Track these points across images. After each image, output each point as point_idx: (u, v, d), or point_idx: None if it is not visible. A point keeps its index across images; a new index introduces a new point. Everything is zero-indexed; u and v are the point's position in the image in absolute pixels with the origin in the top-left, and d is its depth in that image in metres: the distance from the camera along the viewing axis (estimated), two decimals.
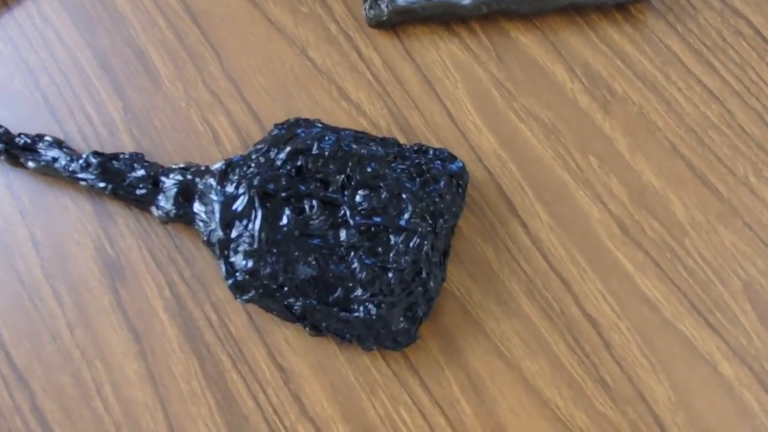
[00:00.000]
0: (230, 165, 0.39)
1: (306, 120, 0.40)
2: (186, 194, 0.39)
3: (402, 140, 0.42)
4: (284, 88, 0.44)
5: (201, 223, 0.39)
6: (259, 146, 0.39)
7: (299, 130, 0.39)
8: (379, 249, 0.37)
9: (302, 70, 0.44)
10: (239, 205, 0.38)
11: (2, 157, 0.41)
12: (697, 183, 0.41)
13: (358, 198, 0.37)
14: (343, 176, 0.38)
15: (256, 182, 0.37)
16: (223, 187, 0.38)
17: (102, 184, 0.40)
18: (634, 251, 0.40)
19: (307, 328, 0.38)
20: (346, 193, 0.38)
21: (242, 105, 0.43)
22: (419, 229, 0.37)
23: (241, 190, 0.38)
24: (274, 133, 0.40)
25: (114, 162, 0.40)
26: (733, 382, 0.38)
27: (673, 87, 0.43)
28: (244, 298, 0.38)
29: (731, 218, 0.40)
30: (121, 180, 0.40)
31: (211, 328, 0.40)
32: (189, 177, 0.39)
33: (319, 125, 0.40)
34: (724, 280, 0.39)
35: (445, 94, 0.43)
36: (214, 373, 0.39)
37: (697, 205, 0.41)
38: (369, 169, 0.38)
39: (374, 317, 0.36)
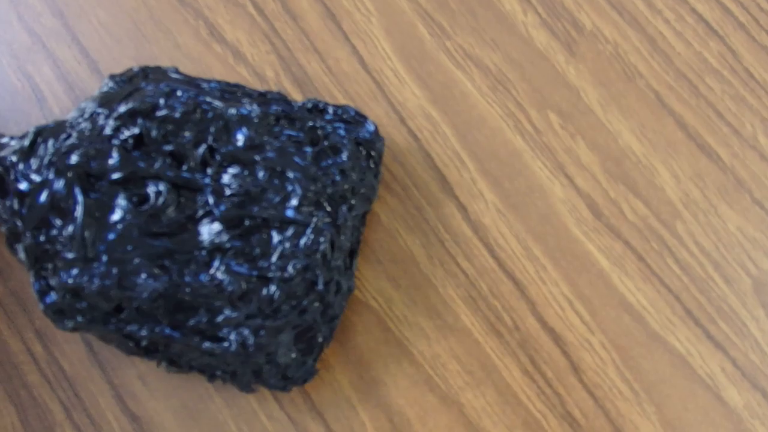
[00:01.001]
0: (40, 135, 0.27)
1: (156, 68, 0.29)
2: None
3: (295, 96, 0.31)
4: (133, 26, 0.32)
5: (1, 224, 0.27)
6: (84, 106, 0.27)
7: (144, 84, 0.28)
8: (256, 251, 0.26)
9: (159, 1, 0.32)
10: (51, 194, 0.26)
11: None
12: (691, 147, 0.31)
13: (225, 179, 0.26)
14: (203, 148, 0.26)
15: (73, 160, 0.26)
16: (28, 168, 0.26)
17: None
18: (610, 241, 0.30)
19: (164, 364, 0.27)
20: (208, 171, 0.26)
21: (74, 50, 0.32)
22: (313, 221, 0.26)
23: (51, 174, 0.26)
24: (106, 88, 0.28)
25: None
26: (742, 412, 0.28)
27: (659, 18, 0.32)
28: (67, 325, 0.26)
29: (736, 194, 0.30)
30: None
31: (35, 364, 0.29)
32: None
33: (176, 75, 0.28)
34: (729, 276, 0.29)
35: (354, 31, 0.32)
36: (39, 427, 0.28)
37: (691, 177, 0.30)
38: (240, 137, 0.27)
39: (251, 348, 0.26)
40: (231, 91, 0.29)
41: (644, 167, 0.31)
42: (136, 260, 0.26)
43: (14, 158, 0.27)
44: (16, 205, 0.26)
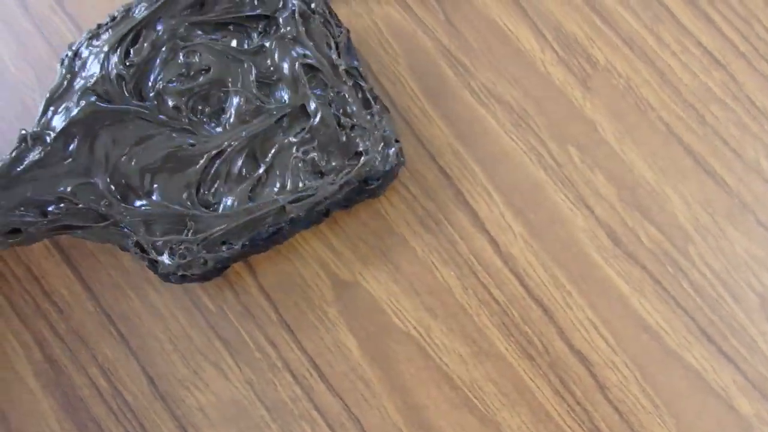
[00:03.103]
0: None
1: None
2: None
3: None
4: None
5: None
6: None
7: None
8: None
9: None
10: None
11: None
12: (699, 174, 0.33)
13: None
14: None
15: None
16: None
17: None
18: (629, 266, 0.32)
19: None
20: None
21: None
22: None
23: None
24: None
25: None
26: (753, 420, 0.31)
27: (666, 51, 0.34)
28: None
29: (742, 216, 0.33)
30: None
31: (100, 397, 0.31)
32: None
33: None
34: (738, 295, 0.32)
35: (382, 72, 0.34)
36: None
37: (701, 203, 0.33)
38: None
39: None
40: None
41: (657, 195, 0.33)
42: None
43: None
44: None
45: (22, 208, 0.27)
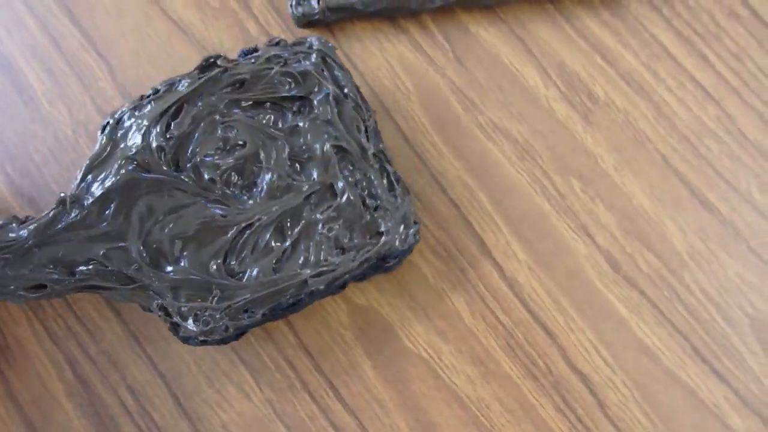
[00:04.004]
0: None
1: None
2: None
3: None
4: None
5: None
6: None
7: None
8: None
9: None
10: None
11: None
12: (694, 203, 0.35)
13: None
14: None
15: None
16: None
17: None
18: (628, 291, 0.34)
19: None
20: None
21: None
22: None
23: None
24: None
25: None
26: None
27: (663, 86, 0.36)
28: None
29: (734, 244, 0.35)
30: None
31: (129, 416, 0.33)
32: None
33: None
34: (730, 318, 0.34)
35: (396, 108, 0.35)
36: None
37: (695, 231, 0.35)
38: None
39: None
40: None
41: (655, 223, 0.35)
42: None
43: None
44: None
45: (51, 266, 0.29)
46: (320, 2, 0.35)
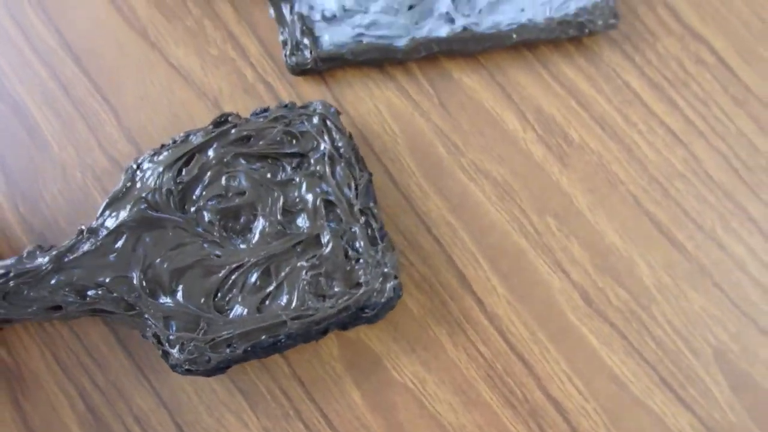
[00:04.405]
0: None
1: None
2: None
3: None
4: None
5: None
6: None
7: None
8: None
9: None
10: None
11: None
12: (663, 241, 0.37)
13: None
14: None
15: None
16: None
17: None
18: (599, 324, 0.36)
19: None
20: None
21: None
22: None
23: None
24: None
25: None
26: None
27: (634, 130, 0.39)
28: None
29: (700, 279, 0.37)
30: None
31: None
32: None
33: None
34: (695, 349, 0.37)
35: (384, 151, 0.38)
36: None
37: (663, 267, 0.37)
38: None
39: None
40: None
41: (626, 260, 0.38)
42: None
43: None
44: None
45: (66, 290, 0.32)
46: (312, 52, 0.37)
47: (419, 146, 0.39)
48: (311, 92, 0.39)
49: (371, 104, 0.39)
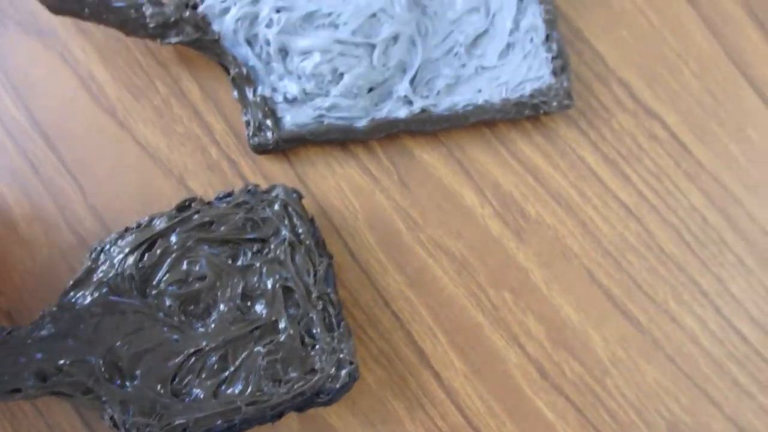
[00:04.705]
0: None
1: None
2: None
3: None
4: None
5: None
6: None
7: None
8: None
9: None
10: None
11: None
12: (616, 314, 0.39)
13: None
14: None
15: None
16: None
17: None
18: (555, 397, 0.37)
19: None
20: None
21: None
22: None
23: None
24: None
25: None
26: None
27: (589, 205, 0.40)
28: None
29: (653, 351, 0.38)
30: None
31: None
32: None
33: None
34: (648, 421, 0.38)
35: (344, 227, 0.39)
36: None
37: (617, 340, 0.38)
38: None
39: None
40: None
41: (580, 333, 0.39)
42: None
43: None
44: None
45: (26, 373, 0.32)
46: (274, 133, 0.38)
47: (379, 222, 0.40)
48: (274, 169, 0.40)
49: (333, 181, 0.40)
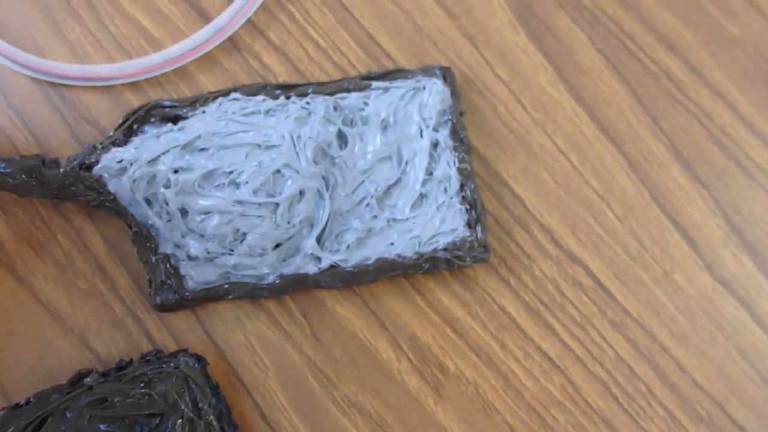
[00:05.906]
0: None
1: None
2: None
3: None
4: None
5: None
6: None
7: None
8: None
9: (83, 364, 0.37)
10: None
11: None
12: None
13: None
14: None
15: None
16: None
17: None
18: None
19: None
20: None
21: None
22: None
23: None
24: None
25: None
26: None
27: (510, 357, 0.38)
28: None
29: None
30: None
31: None
32: None
33: None
34: None
35: (254, 386, 0.37)
36: None
37: None
38: None
39: None
40: None
41: None
42: None
43: None
44: None
45: None
46: (177, 293, 0.37)
47: (291, 379, 0.38)
48: (181, 325, 0.38)
49: (243, 337, 0.39)
